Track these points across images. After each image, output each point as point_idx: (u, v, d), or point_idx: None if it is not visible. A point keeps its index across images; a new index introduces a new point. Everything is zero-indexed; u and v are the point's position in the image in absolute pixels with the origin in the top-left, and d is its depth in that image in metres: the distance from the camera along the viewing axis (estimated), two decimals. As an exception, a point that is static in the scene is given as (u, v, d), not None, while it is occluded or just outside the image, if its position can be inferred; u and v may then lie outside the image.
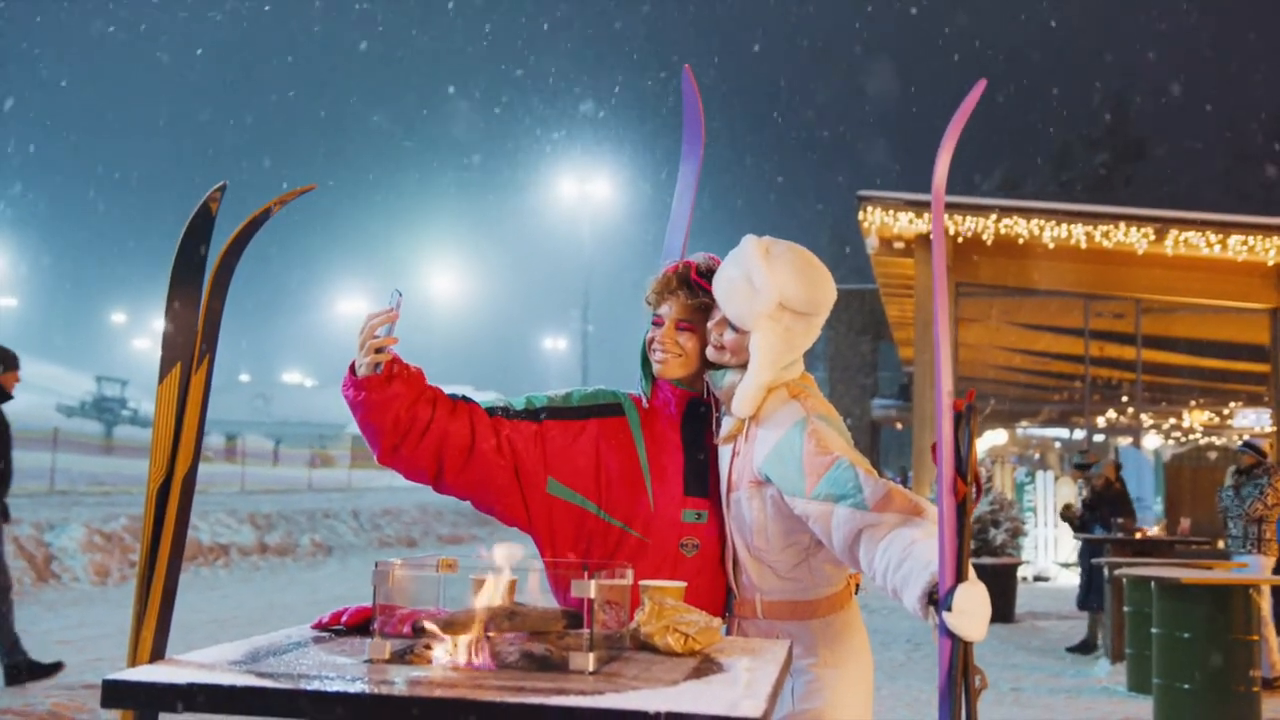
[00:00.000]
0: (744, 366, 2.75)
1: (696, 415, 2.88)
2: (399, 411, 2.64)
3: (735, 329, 2.74)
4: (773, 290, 2.70)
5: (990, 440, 28.02)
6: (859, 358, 36.92)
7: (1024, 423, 28.89)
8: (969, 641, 2.28)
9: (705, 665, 2.16)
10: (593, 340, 41.71)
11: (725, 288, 2.75)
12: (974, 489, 2.28)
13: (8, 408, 7.71)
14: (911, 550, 2.41)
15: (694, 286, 2.85)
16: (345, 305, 79.54)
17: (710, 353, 2.81)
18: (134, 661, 2.09)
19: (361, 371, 2.60)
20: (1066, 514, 11.59)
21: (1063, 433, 29.96)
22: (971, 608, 2.25)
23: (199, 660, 2.02)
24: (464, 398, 2.82)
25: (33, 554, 13.91)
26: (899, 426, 39.76)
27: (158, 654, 2.13)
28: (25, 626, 10.41)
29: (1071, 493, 18.05)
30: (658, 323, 2.87)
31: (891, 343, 32.71)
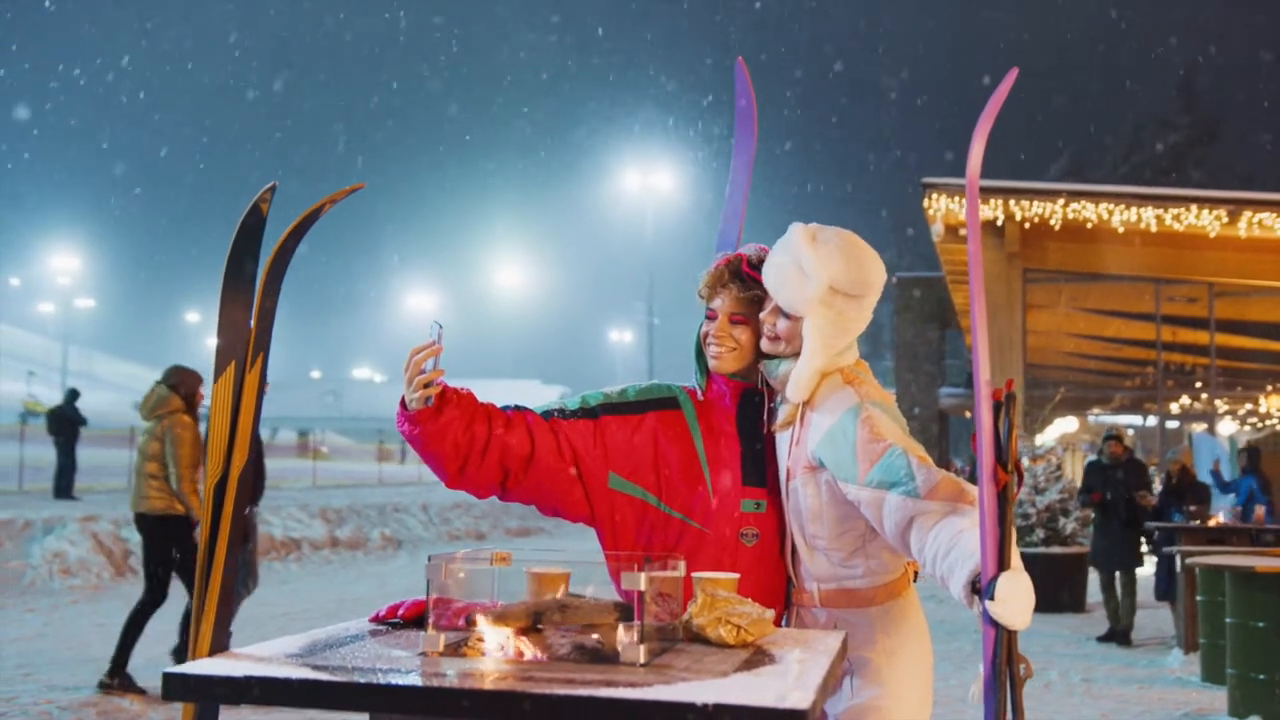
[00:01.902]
0: (798, 354, 2.75)
1: (751, 405, 2.89)
2: (457, 435, 2.69)
3: (788, 316, 2.75)
4: (822, 274, 2.70)
5: (1061, 428, 27.63)
6: (926, 346, 36.54)
7: (1096, 410, 28.41)
8: (1012, 630, 2.30)
9: (757, 657, 2.17)
10: (658, 332, 41.80)
11: (775, 276, 2.76)
12: (1015, 477, 2.29)
13: None
14: (959, 539, 2.41)
15: (746, 279, 2.85)
16: (413, 300, 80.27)
17: (765, 344, 2.81)
18: (194, 655, 2.13)
19: (413, 406, 2.64)
20: (1141, 500, 11.25)
21: (1136, 419, 29.44)
22: (1014, 596, 2.27)
23: (257, 653, 2.06)
24: (517, 407, 2.85)
25: (111, 549, 14.20)
26: (967, 415, 39.21)
27: (218, 647, 2.17)
28: (104, 620, 10.67)
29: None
30: (711, 316, 2.88)
31: (959, 330, 32.39)
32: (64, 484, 19.71)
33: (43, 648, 9.19)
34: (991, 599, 2.27)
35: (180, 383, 7.85)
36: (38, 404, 56.67)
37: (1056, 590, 12.57)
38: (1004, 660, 2.31)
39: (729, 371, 2.88)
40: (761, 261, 2.84)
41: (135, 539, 14.70)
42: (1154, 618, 11.85)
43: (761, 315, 2.81)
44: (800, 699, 1.79)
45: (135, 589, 13.21)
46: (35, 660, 8.58)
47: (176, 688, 1.89)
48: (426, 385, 2.60)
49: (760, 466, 2.84)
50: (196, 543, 7.91)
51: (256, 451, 7.66)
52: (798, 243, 2.76)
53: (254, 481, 8.04)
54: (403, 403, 2.67)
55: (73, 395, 20.79)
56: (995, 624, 2.30)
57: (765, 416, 2.88)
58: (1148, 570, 12.57)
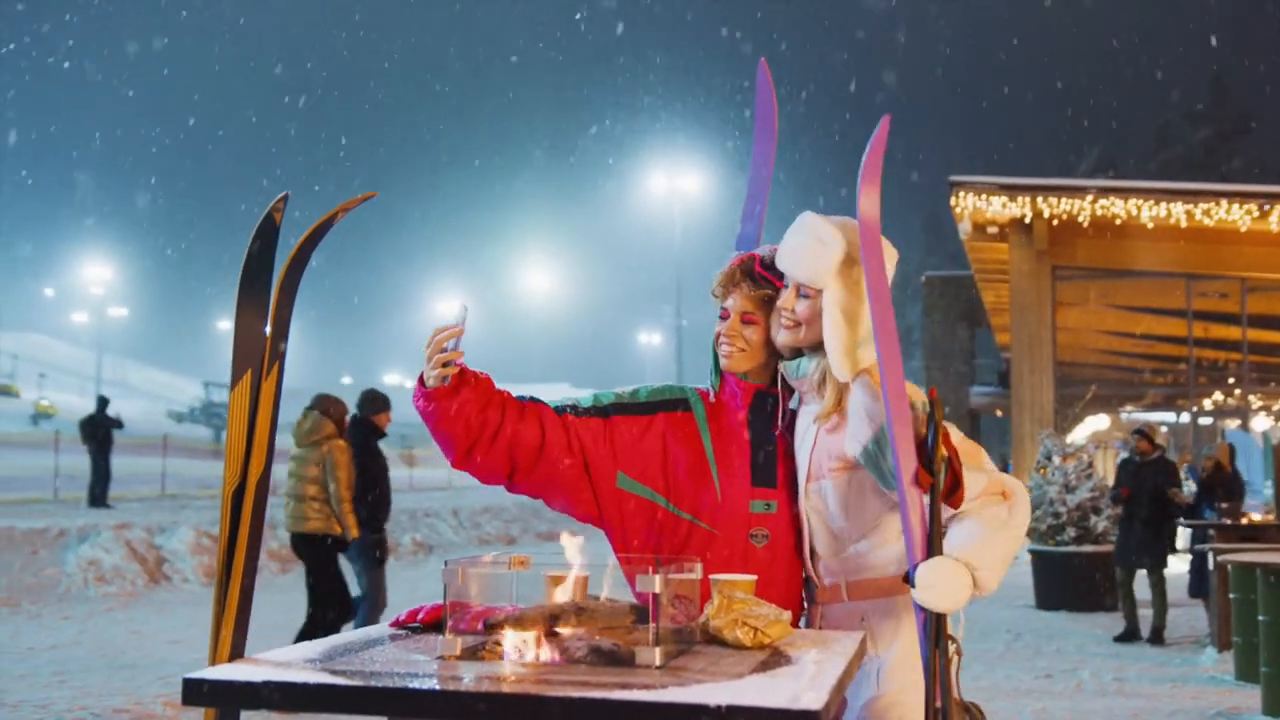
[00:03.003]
0: (817, 348, 2.75)
1: (763, 407, 2.89)
2: (469, 418, 2.71)
3: (806, 296, 2.76)
4: (839, 240, 2.74)
5: (1092, 425, 27.46)
6: (955, 345, 36.43)
7: (1128, 407, 28.23)
8: (939, 613, 2.50)
9: (773, 658, 2.17)
10: (687, 334, 41.78)
11: (792, 254, 2.78)
12: (942, 478, 2.48)
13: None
14: (952, 536, 2.58)
15: (758, 278, 2.87)
16: (443, 306, 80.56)
17: (783, 335, 2.81)
18: (214, 661, 2.16)
19: (430, 383, 2.68)
20: (1175, 499, 11.08)
21: (1168, 416, 29.23)
22: (934, 582, 2.48)
23: (276, 659, 2.08)
24: (532, 399, 2.87)
25: (144, 556, 14.31)
26: (998, 414, 39.09)
27: (236, 653, 2.19)
28: (138, 627, 10.77)
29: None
30: (724, 316, 2.90)
31: (988, 329, 32.24)
32: (98, 492, 19.90)
33: (77, 654, 9.28)
34: (914, 586, 2.49)
35: (330, 409, 8.30)
36: (51, 407, 57.25)
37: (1088, 589, 12.48)
38: (933, 641, 2.49)
39: (739, 371, 2.89)
40: (774, 261, 2.85)
41: (169, 546, 14.84)
42: (1187, 616, 11.75)
43: (779, 304, 2.82)
44: (813, 700, 1.80)
45: (169, 596, 13.35)
46: (70, 667, 8.67)
47: (196, 693, 1.91)
48: (446, 364, 2.63)
49: (771, 468, 2.85)
50: (354, 560, 8.32)
51: (382, 469, 8.05)
52: (813, 220, 2.80)
53: (381, 501, 8.51)
54: (421, 379, 2.70)
55: (103, 403, 20.99)
56: (924, 609, 2.51)
57: (779, 418, 2.89)
58: (1180, 568, 12.47)
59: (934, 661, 2.49)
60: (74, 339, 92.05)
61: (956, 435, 2.68)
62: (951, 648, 2.52)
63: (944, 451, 2.49)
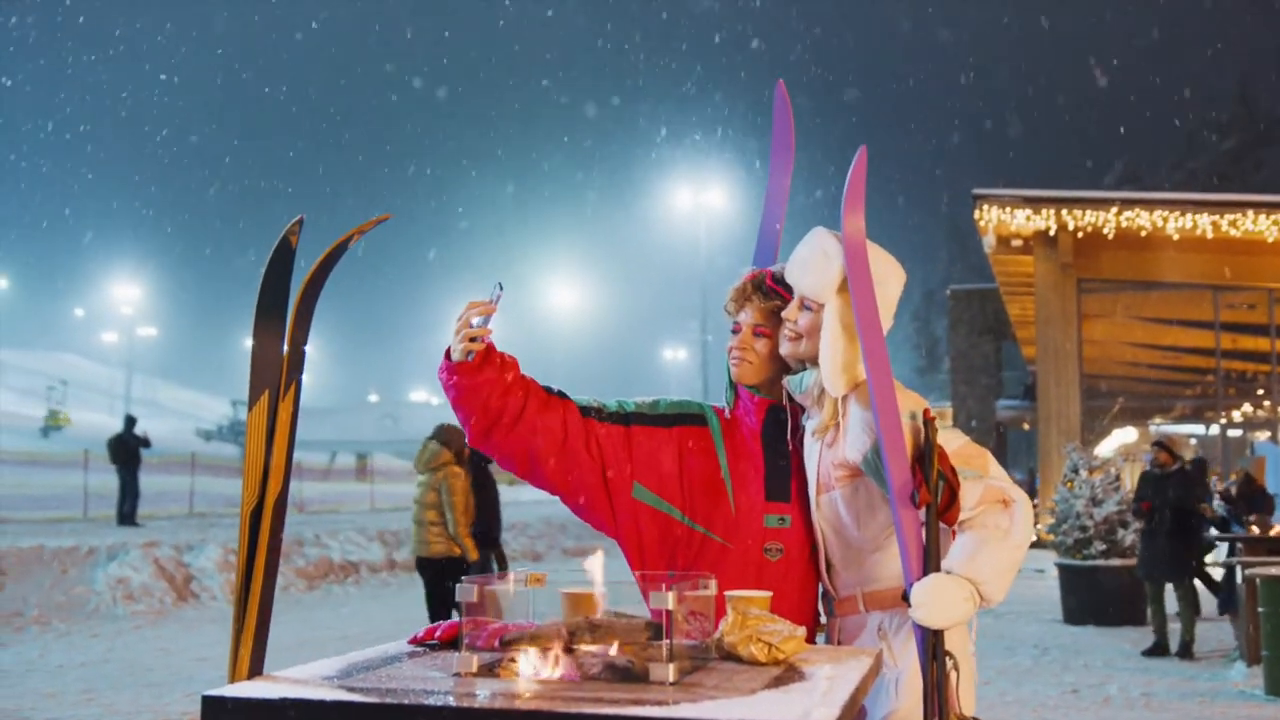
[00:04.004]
0: (818, 360, 2.77)
1: (777, 422, 2.91)
2: (489, 398, 2.74)
3: (809, 309, 2.78)
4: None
5: (1120, 438, 27.28)
6: (982, 358, 36.23)
7: (1157, 419, 28.04)
8: (936, 629, 2.53)
9: (787, 674, 2.18)
10: (711, 350, 41.71)
11: (799, 266, 2.81)
12: (939, 495, 2.51)
13: None
14: (952, 552, 2.62)
15: (768, 291, 2.90)
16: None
17: (785, 346, 2.83)
18: (233, 678, 2.18)
19: (455, 356, 2.71)
20: (1204, 513, 10.96)
21: (1198, 429, 29.02)
22: (927, 600, 2.51)
23: (294, 676, 2.10)
24: (559, 392, 2.89)
25: (172, 574, 14.41)
26: (1025, 427, 38.85)
27: (255, 670, 2.22)
28: (166, 644, 10.83)
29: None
30: (736, 330, 2.94)
31: (1014, 342, 32.11)
32: (127, 510, 20.04)
33: (106, 672, 9.35)
34: (910, 604, 2.53)
35: (450, 439, 8.70)
36: (65, 418, 57.68)
37: (1115, 603, 12.39)
38: (930, 656, 2.52)
39: (749, 383, 2.92)
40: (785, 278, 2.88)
41: (197, 564, 14.94)
42: (1216, 630, 11.65)
43: (784, 314, 2.84)
44: (824, 716, 1.81)
45: (196, 614, 13.43)
46: (98, 684, 8.73)
47: (214, 710, 1.94)
48: (473, 339, 2.66)
49: (785, 482, 2.86)
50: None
51: (493, 490, 8.47)
52: (822, 234, 2.82)
53: (493, 520, 9.17)
54: (448, 352, 2.73)
55: (130, 422, 21.15)
56: (919, 625, 2.54)
57: (791, 433, 2.90)
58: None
59: (932, 677, 2.52)
60: (104, 358, 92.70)
61: (959, 440, 2.69)
62: (950, 663, 2.53)
63: (938, 468, 2.51)
